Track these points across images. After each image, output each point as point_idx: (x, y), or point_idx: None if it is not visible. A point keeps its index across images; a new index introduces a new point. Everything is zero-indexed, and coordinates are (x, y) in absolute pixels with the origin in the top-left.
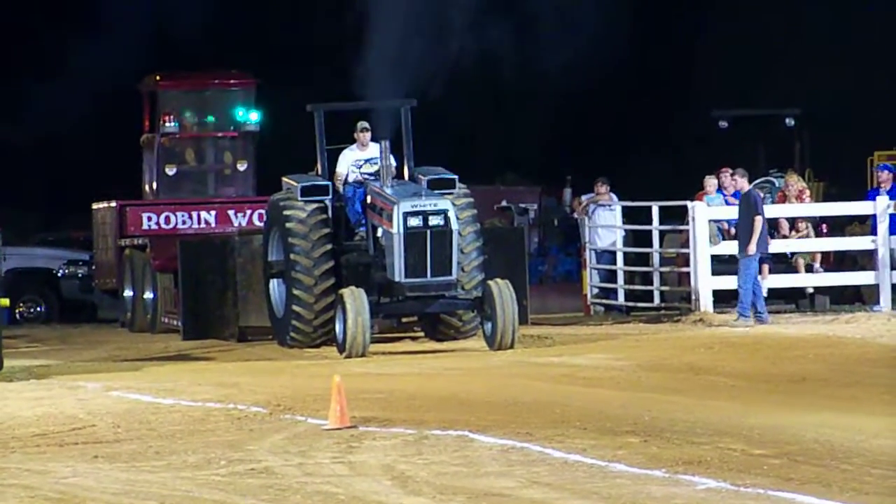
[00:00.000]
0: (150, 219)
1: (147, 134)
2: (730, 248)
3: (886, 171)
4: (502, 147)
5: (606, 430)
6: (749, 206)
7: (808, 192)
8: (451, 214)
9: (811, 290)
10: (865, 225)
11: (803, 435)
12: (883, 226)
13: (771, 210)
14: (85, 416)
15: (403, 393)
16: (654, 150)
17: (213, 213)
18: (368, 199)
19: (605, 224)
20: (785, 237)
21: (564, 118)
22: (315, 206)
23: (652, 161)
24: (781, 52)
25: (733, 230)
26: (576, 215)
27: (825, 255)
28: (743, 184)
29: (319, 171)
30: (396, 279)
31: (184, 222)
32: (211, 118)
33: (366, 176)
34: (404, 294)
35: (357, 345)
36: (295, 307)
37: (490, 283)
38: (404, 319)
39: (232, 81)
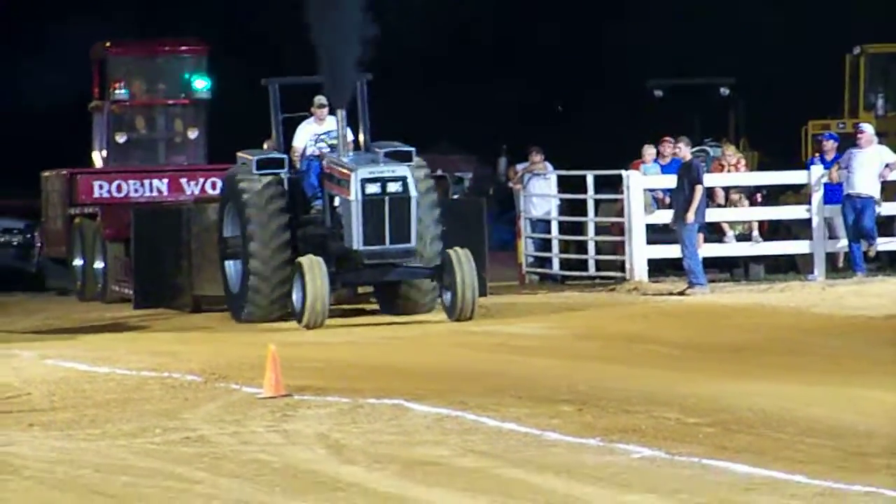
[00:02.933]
0: (101, 187)
1: (96, 101)
2: (664, 217)
3: (832, 141)
4: (436, 117)
5: (541, 399)
6: (690, 174)
7: (743, 162)
8: (410, 181)
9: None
10: (800, 194)
11: (738, 404)
12: (817, 195)
13: (708, 179)
14: (20, 384)
15: (339, 362)
16: (590, 120)
17: (165, 181)
18: (325, 169)
19: (540, 193)
20: (720, 206)
21: (501, 87)
22: (270, 179)
23: (588, 130)
24: (716, 23)
25: (668, 199)
26: (511, 184)
27: (760, 224)
28: (685, 153)
29: (275, 145)
30: (354, 247)
31: (136, 190)
32: (161, 85)
33: (323, 149)
34: (362, 262)
35: (316, 313)
36: (251, 280)
37: (449, 251)
38: (360, 291)
39: (182, 48)
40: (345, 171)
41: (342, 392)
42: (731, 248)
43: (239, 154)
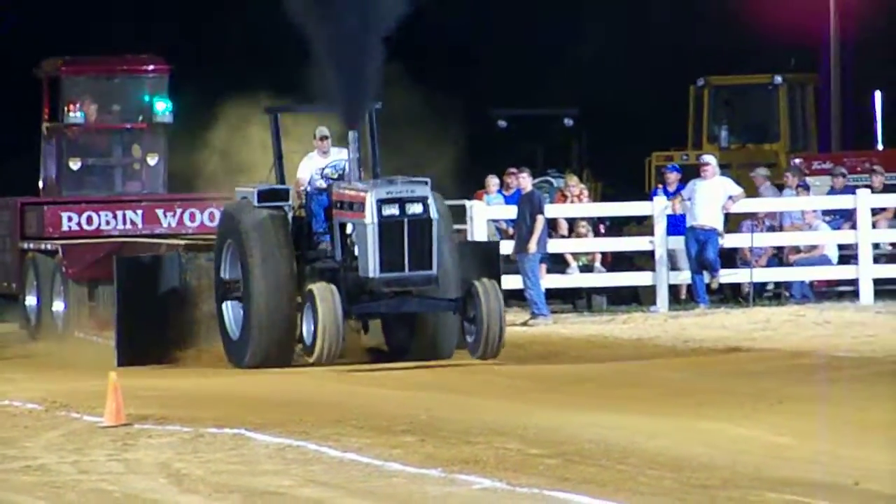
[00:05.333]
0: (70, 219)
1: (48, 123)
2: (507, 247)
3: (674, 172)
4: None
5: (383, 429)
6: (532, 205)
7: (586, 193)
8: (431, 202)
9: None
10: (643, 226)
11: (580, 435)
12: (660, 226)
13: (551, 210)
14: None
15: (181, 391)
16: (433, 150)
17: (139, 212)
18: (335, 197)
19: None
20: (563, 237)
21: None
22: (274, 212)
23: (430, 160)
24: (561, 54)
25: (511, 230)
26: None
27: (603, 255)
28: (526, 183)
29: (276, 178)
30: (370, 274)
31: (107, 223)
32: (119, 108)
33: (329, 181)
34: (379, 290)
35: (329, 346)
36: (253, 322)
37: (475, 282)
38: (368, 344)
39: (143, 67)
40: (359, 193)
41: (183, 421)
42: (573, 279)
43: (237, 188)
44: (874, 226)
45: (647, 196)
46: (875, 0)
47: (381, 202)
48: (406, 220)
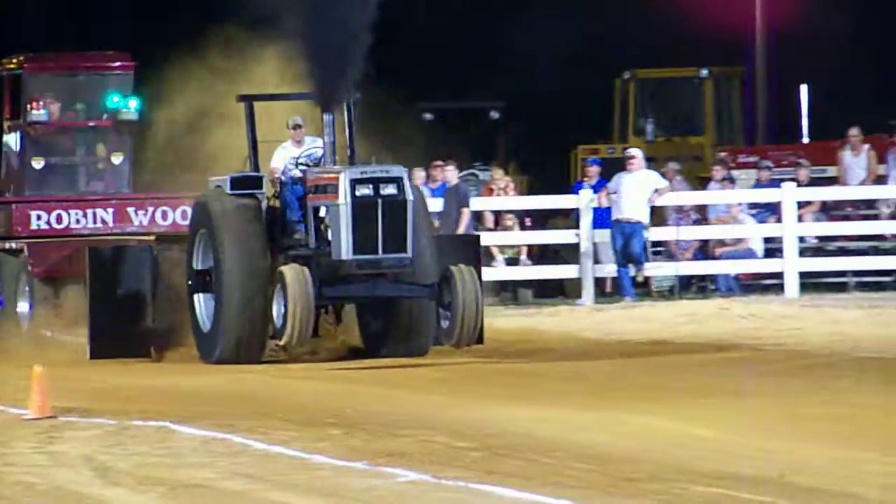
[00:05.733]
0: (39, 217)
1: (9, 122)
2: None
3: (595, 166)
4: None
5: (309, 422)
6: (458, 198)
7: (513, 186)
8: (406, 183)
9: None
10: (569, 218)
11: (507, 428)
12: (586, 219)
13: (477, 203)
14: None
15: (107, 383)
16: (359, 140)
17: (110, 210)
18: (309, 182)
19: None
20: (489, 230)
21: None
22: (247, 200)
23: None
24: (489, 46)
25: (437, 223)
26: None
27: (529, 248)
28: (452, 176)
29: (251, 167)
30: (343, 256)
31: (77, 221)
32: (82, 105)
33: (304, 170)
34: (352, 273)
35: (299, 329)
36: (224, 314)
37: (452, 267)
38: (342, 340)
39: (107, 64)
40: (333, 175)
41: (109, 414)
42: (499, 271)
43: (210, 178)
44: (800, 219)
45: (571, 189)
46: None
47: (355, 182)
48: (380, 200)
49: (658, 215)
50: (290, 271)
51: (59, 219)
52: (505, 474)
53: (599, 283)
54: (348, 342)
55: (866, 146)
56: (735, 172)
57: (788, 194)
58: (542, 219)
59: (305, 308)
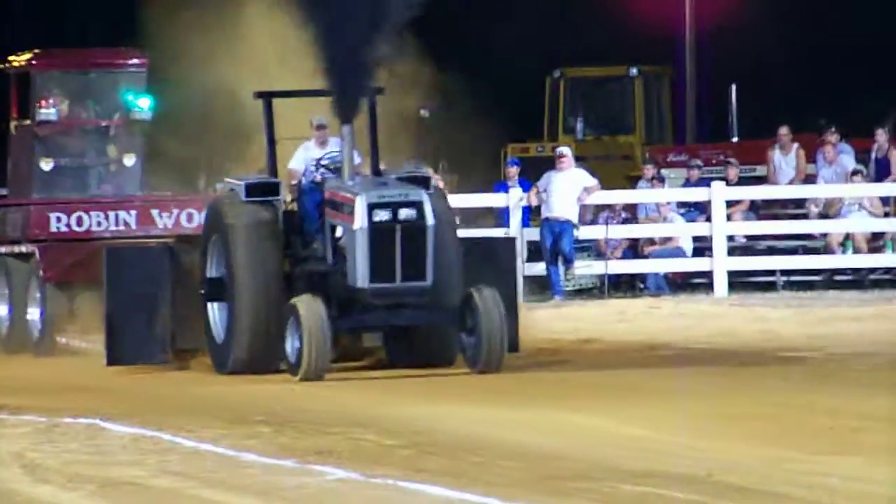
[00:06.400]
0: (59, 220)
1: (17, 121)
2: None
3: (514, 166)
4: None
5: (238, 420)
6: None
7: (443, 184)
8: (427, 207)
9: None
10: (498, 217)
11: (435, 427)
12: (516, 218)
13: None
14: None
15: (36, 381)
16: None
17: (133, 213)
18: (327, 195)
19: None
20: None
21: None
22: (262, 207)
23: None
24: (417, 44)
25: None
26: None
27: None
28: None
29: (268, 168)
30: (359, 285)
31: (99, 224)
32: (93, 104)
33: (325, 175)
34: (369, 302)
35: (314, 364)
36: (238, 326)
37: (473, 290)
38: (366, 343)
39: (119, 61)
40: (349, 195)
41: (38, 411)
42: None
43: (226, 179)
44: (729, 218)
45: (493, 189)
46: None
47: (372, 206)
48: (399, 225)
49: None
50: (302, 304)
51: (79, 221)
52: (433, 472)
53: (528, 281)
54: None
55: (795, 145)
56: (665, 171)
57: (717, 193)
58: (472, 218)
59: (321, 343)
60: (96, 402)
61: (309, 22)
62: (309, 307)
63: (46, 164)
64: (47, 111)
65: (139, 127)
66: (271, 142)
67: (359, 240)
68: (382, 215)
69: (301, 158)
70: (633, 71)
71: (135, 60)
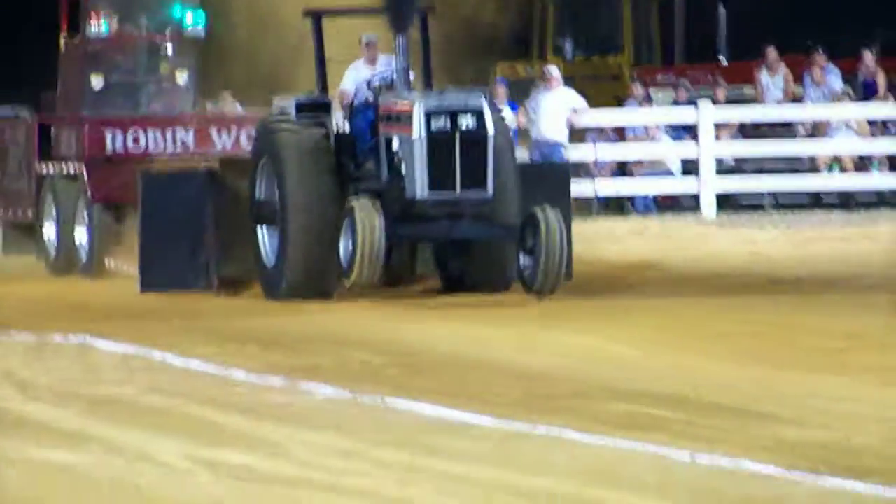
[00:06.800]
0: (113, 139)
1: (66, 37)
2: None
3: (503, 86)
4: None
5: (228, 338)
6: None
7: None
8: (487, 115)
9: None
10: None
11: (424, 346)
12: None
13: None
14: None
15: (26, 299)
16: None
17: (191, 132)
18: (381, 110)
19: None
20: None
21: None
22: (315, 127)
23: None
24: None
25: None
26: None
27: None
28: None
29: (318, 87)
30: (418, 195)
31: (156, 143)
32: (145, 20)
33: (376, 94)
34: (427, 212)
35: (367, 269)
36: (290, 250)
37: (537, 208)
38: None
39: None
40: (406, 104)
41: (28, 329)
42: None
43: (274, 99)
44: (717, 139)
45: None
46: None
47: (430, 114)
48: (458, 134)
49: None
50: (359, 206)
51: (136, 140)
52: (422, 391)
53: None
54: (424, 279)
55: (783, 66)
56: (653, 92)
57: (705, 113)
58: None
59: (375, 247)
60: (85, 320)
61: None
62: (366, 210)
63: (97, 81)
64: (97, 26)
65: (192, 43)
66: (321, 61)
67: (417, 149)
68: (441, 123)
69: (352, 79)
70: None
71: None
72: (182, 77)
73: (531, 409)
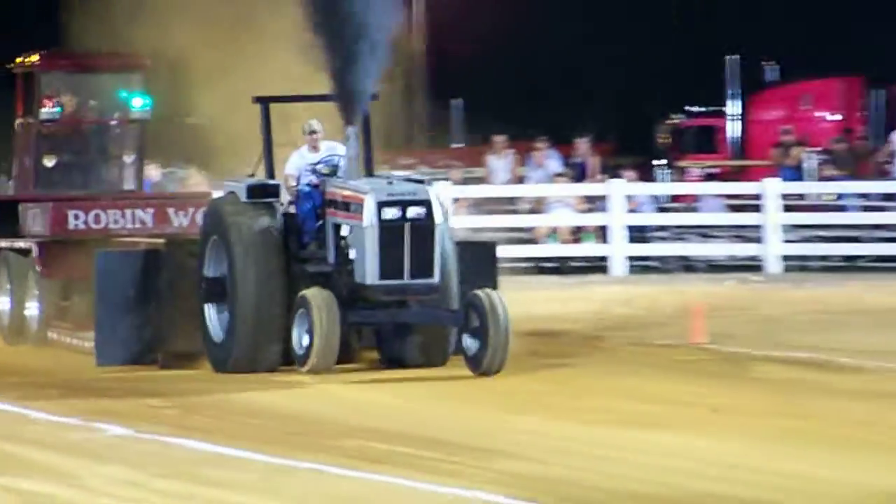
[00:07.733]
0: (77, 217)
1: (22, 119)
2: None
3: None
4: None
5: (30, 384)
6: None
7: None
8: (435, 206)
9: None
10: None
11: (203, 390)
12: None
13: None
14: None
15: None
16: None
17: (150, 211)
18: (328, 196)
19: None
20: None
21: None
22: (264, 209)
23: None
24: None
25: None
26: None
27: None
28: None
29: (265, 172)
30: (368, 281)
31: (115, 222)
32: (95, 103)
33: (322, 178)
34: (377, 298)
35: (324, 356)
36: (238, 327)
37: (479, 292)
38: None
39: (120, 62)
40: (358, 193)
41: None
42: None
43: (225, 181)
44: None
45: None
46: None
47: (381, 204)
48: (407, 224)
49: None
50: (315, 297)
51: (97, 219)
52: (195, 429)
53: None
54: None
55: (510, 151)
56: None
57: (445, 192)
58: None
59: (332, 337)
60: None
61: (317, 28)
62: (320, 301)
63: (49, 161)
64: (50, 110)
65: (139, 126)
66: (268, 146)
67: (368, 237)
68: (392, 213)
69: (295, 164)
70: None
71: (134, 62)
72: (129, 157)
73: (296, 448)
